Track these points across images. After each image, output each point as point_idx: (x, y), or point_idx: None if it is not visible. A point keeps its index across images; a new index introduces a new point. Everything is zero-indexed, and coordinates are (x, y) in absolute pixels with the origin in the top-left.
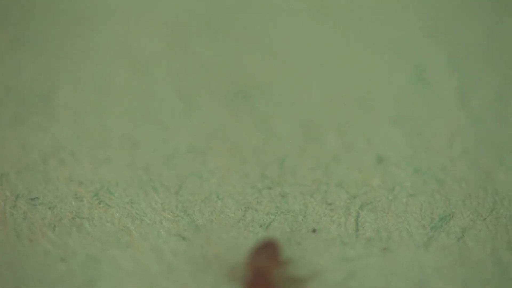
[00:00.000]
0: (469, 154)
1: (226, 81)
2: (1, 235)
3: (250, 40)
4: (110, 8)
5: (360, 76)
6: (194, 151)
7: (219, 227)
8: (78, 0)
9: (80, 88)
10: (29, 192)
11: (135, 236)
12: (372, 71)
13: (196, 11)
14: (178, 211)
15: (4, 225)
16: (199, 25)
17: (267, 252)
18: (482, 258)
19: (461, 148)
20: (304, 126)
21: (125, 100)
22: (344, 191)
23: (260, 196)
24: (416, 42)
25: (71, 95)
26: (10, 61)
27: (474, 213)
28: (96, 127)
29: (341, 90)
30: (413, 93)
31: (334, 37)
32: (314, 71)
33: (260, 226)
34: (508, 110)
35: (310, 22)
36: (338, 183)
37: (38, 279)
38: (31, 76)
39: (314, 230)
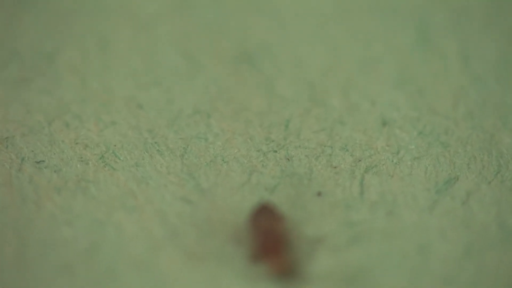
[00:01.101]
0: (473, 117)
1: (230, 42)
2: (7, 198)
3: (254, 1)
4: None
5: (364, 38)
6: (198, 113)
7: (224, 190)
8: None
9: (84, 49)
10: (35, 155)
11: (140, 200)
12: (375, 33)
13: None
14: (183, 175)
15: (9, 188)
16: None
17: (267, 214)
18: (487, 221)
19: (465, 111)
20: (309, 88)
21: (129, 62)
22: (349, 154)
23: (265, 159)
24: (419, 4)
25: (75, 57)
26: (14, 23)
27: (478, 176)
28: (100, 89)
29: (344, 52)
30: (417, 55)
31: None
32: (318, 34)
33: (266, 190)
34: (511, 71)
35: None
36: (343, 146)
37: (43, 243)
38: (36, 38)
39: (319, 194)
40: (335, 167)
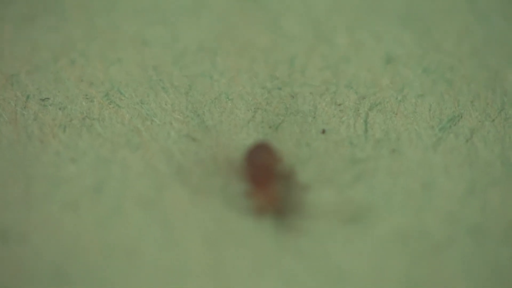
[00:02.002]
0: (477, 54)
1: None
2: (12, 135)
3: None
4: None
5: None
6: (203, 50)
7: (229, 128)
8: None
9: None
10: (40, 92)
11: (145, 137)
12: None
13: None
14: (188, 112)
15: (15, 125)
16: None
17: (262, 151)
18: (490, 159)
19: (470, 48)
20: (314, 26)
21: (130, 18)
22: (353, 92)
23: (270, 97)
24: None
25: None
26: None
27: (482, 114)
28: (106, 27)
29: None
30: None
31: None
32: None
33: (270, 127)
34: None
35: None
36: (347, 84)
37: (48, 180)
38: None
39: (324, 131)
40: (339, 105)
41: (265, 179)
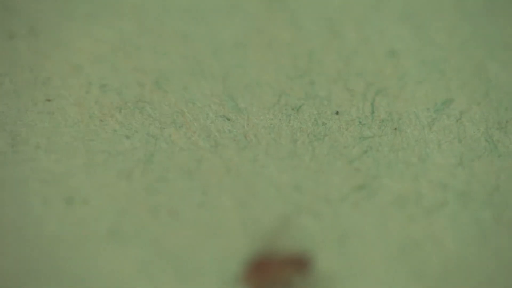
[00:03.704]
0: (465, 48)
1: None
2: (77, 115)
3: None
4: None
5: None
6: (236, 45)
7: (258, 109)
8: None
9: None
10: (100, 79)
11: (187, 117)
12: None
13: None
14: (224, 96)
15: (79, 107)
16: None
17: (258, 272)
18: (476, 136)
19: (458, 42)
20: (328, 23)
21: (181, 2)
22: (362, 79)
23: (292, 84)
24: None
25: None
26: None
27: (470, 98)
28: (155, 24)
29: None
30: None
31: None
32: None
33: (292, 109)
34: (498, 9)
35: None
36: (357, 73)
37: (107, 153)
38: None
39: (337, 112)
40: (350, 90)
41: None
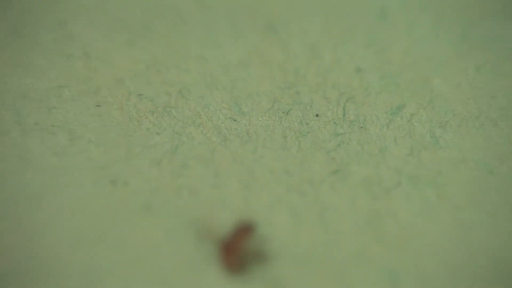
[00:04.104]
0: (414, 66)
1: (261, 17)
2: (119, 117)
3: None
4: None
5: (344, 13)
6: (241, 64)
7: (257, 113)
8: None
9: (172, 20)
10: (137, 90)
11: (203, 119)
12: (347, 14)
13: None
14: (231, 103)
15: (121, 111)
16: None
17: (237, 232)
18: (423, 133)
19: (410, 62)
20: (311, 48)
21: (196, 29)
22: (336, 90)
23: (283, 93)
24: None
25: (167, 27)
26: None
27: (418, 104)
28: (180, 48)
29: (332, 24)
30: (377, 28)
31: None
32: (316, 8)
33: (283, 113)
34: (442, 33)
35: None
36: (332, 85)
37: (142, 145)
38: (138, 7)
39: (317, 115)
40: (327, 98)
41: (232, 253)
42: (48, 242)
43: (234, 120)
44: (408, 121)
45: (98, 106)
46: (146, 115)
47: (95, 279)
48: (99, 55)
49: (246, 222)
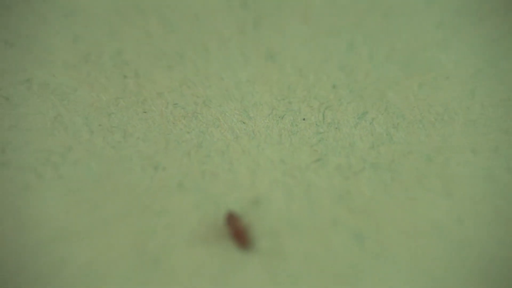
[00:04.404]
0: (374, 83)
1: (263, 49)
2: (159, 121)
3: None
4: None
5: (322, 45)
6: (248, 82)
7: (261, 116)
8: None
9: (199, 50)
10: (173, 100)
11: (221, 121)
12: (325, 45)
13: None
14: (241, 110)
15: (161, 116)
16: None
17: (234, 218)
18: (381, 132)
19: (371, 81)
20: (299, 70)
21: (216, 56)
22: (317, 101)
23: (279, 103)
24: (347, 25)
25: (195, 55)
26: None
27: (377, 111)
28: (204, 70)
29: (316, 51)
30: (348, 56)
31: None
32: (303, 42)
33: (279, 117)
34: (395, 56)
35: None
36: (314, 97)
37: (177, 141)
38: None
39: (304, 119)
40: (311, 107)
41: (237, 229)
42: (110, 211)
43: (244, 122)
44: (370, 124)
45: (144, 112)
46: (180, 119)
47: (144, 239)
48: (146, 75)
49: (231, 211)
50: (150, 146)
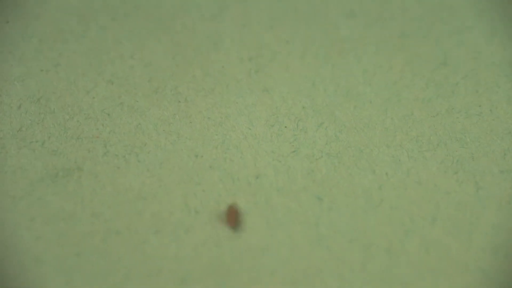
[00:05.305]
0: (327, 106)
1: (260, 85)
2: (200, 126)
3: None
4: None
5: (306, 85)
6: (253, 105)
7: (260, 126)
8: None
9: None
10: (205, 112)
11: (237, 128)
12: (308, 83)
13: None
14: (248, 121)
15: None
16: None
17: (232, 211)
18: (331, 134)
19: (324, 104)
20: (286, 98)
21: (232, 91)
22: (293, 116)
23: (270, 117)
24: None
25: (220, 89)
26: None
27: (329, 122)
28: (223, 97)
29: (301, 85)
30: (313, 91)
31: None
32: (289, 78)
33: (271, 125)
34: (373, 74)
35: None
36: (292, 114)
37: (207, 140)
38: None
39: (286, 127)
40: (290, 119)
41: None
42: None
43: (249, 129)
44: (325, 129)
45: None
46: (211, 127)
47: (192, 190)
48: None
49: (234, 206)
50: (192, 142)
